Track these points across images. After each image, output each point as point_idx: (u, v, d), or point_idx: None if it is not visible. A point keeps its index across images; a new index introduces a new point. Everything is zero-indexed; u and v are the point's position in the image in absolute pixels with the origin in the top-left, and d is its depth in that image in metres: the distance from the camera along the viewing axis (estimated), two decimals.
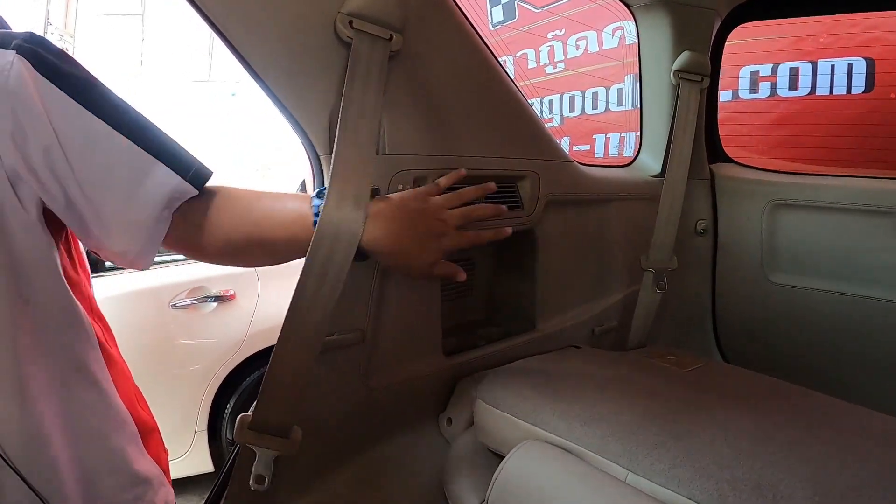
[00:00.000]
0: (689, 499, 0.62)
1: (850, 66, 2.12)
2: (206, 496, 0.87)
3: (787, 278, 1.48)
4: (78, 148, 0.64)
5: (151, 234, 0.66)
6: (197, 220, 0.68)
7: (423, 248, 0.72)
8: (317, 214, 0.67)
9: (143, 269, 0.68)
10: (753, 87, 2.44)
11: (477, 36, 0.96)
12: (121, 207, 0.66)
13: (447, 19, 0.90)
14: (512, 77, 1.05)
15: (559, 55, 3.14)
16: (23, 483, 0.62)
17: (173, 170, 0.66)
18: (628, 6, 1.36)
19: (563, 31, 3.07)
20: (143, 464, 0.75)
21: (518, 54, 3.31)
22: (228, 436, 2.33)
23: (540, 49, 3.16)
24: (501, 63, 1.02)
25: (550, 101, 3.27)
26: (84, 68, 0.66)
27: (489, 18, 3.39)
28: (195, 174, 0.68)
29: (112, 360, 0.73)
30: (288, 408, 0.69)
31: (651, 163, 1.51)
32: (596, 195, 1.28)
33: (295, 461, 0.81)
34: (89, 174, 0.65)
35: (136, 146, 0.66)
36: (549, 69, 3.20)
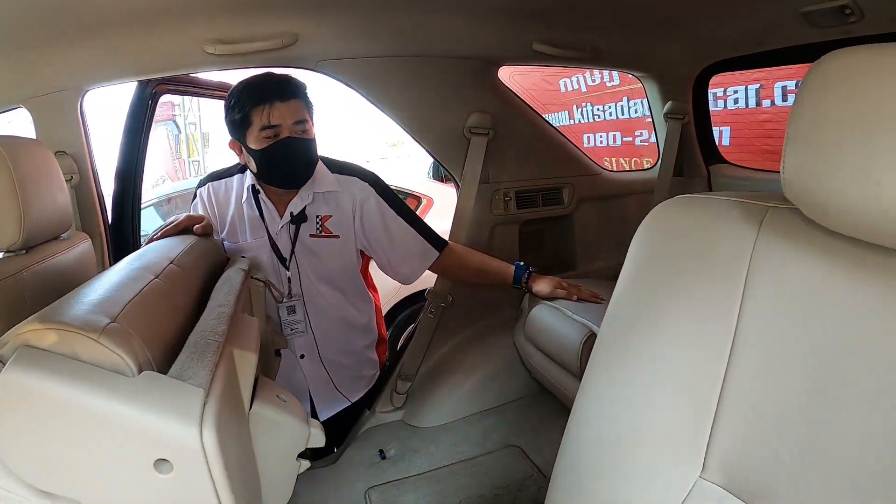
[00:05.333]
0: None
1: None
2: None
3: None
4: (392, 234, 1.42)
5: (417, 273, 1.51)
6: (443, 264, 1.53)
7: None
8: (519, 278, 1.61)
9: (408, 284, 1.55)
10: (785, 97, 3.08)
11: (533, 112, 1.91)
12: (407, 262, 1.46)
13: (516, 113, 1.86)
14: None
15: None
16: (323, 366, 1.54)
17: (433, 246, 1.48)
18: (636, 76, 2.19)
19: None
20: (369, 355, 1.60)
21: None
22: None
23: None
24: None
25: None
26: (394, 192, 1.46)
27: None
28: (439, 245, 1.49)
29: (376, 306, 1.64)
30: (447, 287, 1.74)
31: None
32: (615, 192, 2.15)
33: (449, 316, 1.83)
34: (396, 247, 1.43)
35: (419, 236, 1.46)
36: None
